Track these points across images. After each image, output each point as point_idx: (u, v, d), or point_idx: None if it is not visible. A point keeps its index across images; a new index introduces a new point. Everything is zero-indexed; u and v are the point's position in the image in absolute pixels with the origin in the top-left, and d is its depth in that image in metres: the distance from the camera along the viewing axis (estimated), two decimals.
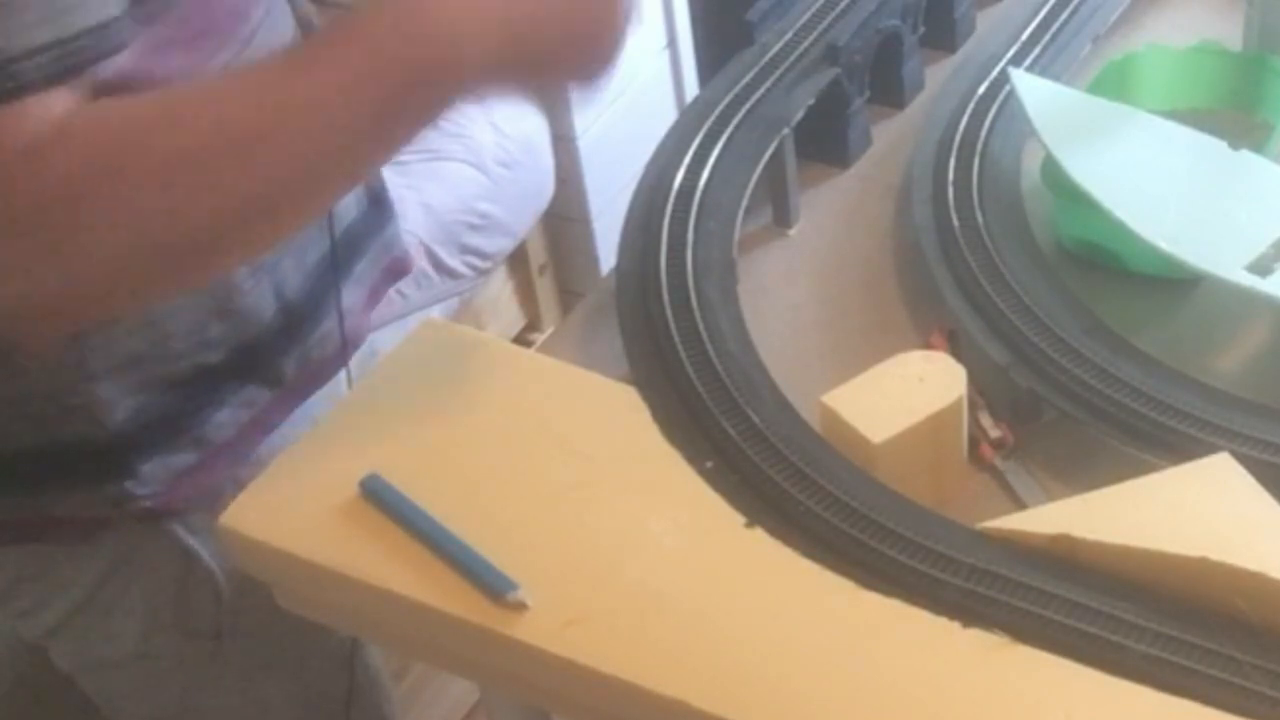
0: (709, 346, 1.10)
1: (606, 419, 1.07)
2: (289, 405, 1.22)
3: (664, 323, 1.12)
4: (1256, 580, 0.89)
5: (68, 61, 0.87)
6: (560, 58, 0.95)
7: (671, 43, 2.26)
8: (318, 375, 1.23)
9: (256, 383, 1.19)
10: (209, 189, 0.86)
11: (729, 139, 1.26)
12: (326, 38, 0.92)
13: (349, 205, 1.25)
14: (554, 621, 0.95)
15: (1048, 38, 1.36)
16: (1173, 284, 1.17)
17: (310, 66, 0.89)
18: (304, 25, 1.17)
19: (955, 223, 1.19)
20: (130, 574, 1.22)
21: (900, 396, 1.03)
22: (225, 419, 1.17)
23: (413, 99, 0.90)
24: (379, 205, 1.31)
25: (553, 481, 1.02)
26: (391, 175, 1.42)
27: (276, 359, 1.20)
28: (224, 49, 1.05)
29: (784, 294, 1.24)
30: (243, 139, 0.86)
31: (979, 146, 1.26)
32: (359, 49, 0.88)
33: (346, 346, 1.23)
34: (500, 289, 2.08)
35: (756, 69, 1.32)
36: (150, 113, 0.87)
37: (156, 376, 1.13)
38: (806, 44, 1.32)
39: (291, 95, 0.87)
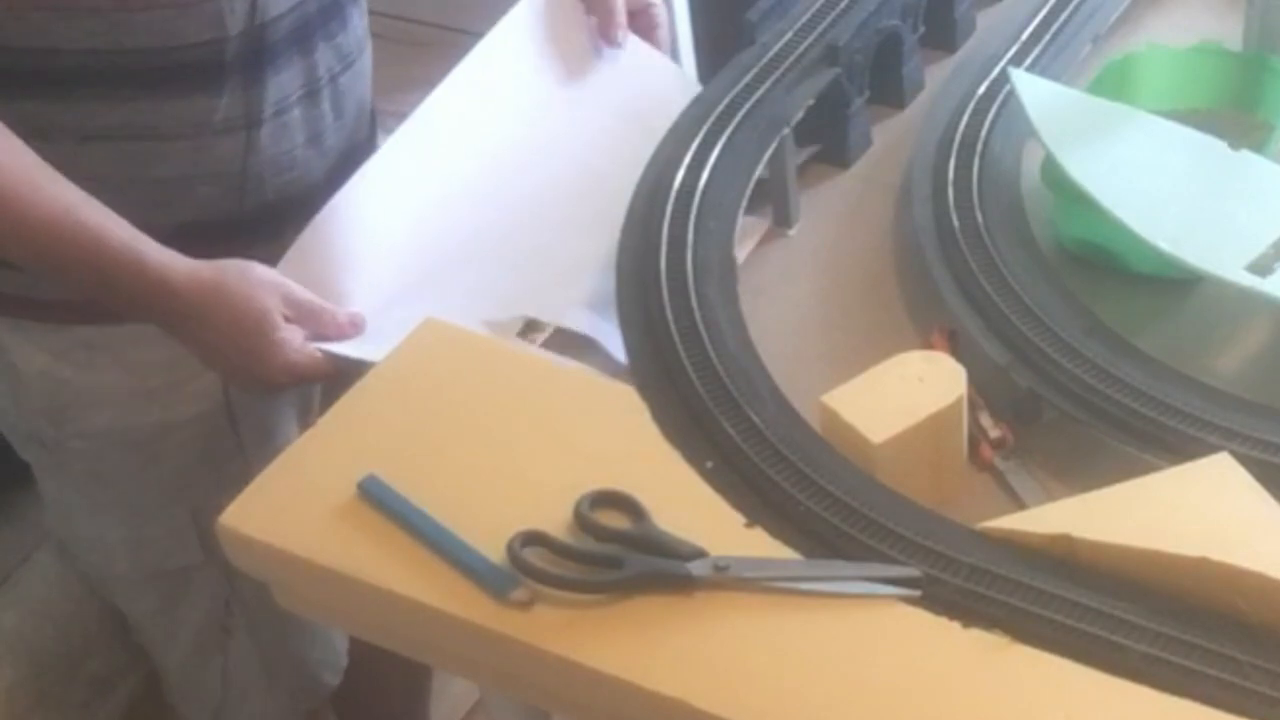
0: (709, 346, 1.10)
1: (606, 419, 1.07)
2: None
3: (664, 323, 1.12)
4: (1256, 580, 0.89)
5: None
6: (220, 371, 1.26)
7: (672, 43, 2.26)
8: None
9: None
10: None
11: (729, 139, 1.26)
12: (105, 250, 1.16)
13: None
14: (554, 621, 0.95)
15: (1048, 38, 1.36)
16: (1173, 284, 1.18)
17: (71, 234, 1.15)
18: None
19: (955, 223, 1.19)
20: None
21: (900, 396, 1.03)
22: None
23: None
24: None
25: (553, 481, 1.02)
26: None
27: None
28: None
29: (784, 294, 1.24)
30: None
31: (979, 146, 1.26)
32: (98, 270, 1.16)
33: None
34: None
35: (756, 69, 1.32)
36: None
37: None
38: (806, 44, 1.33)
39: (37, 224, 1.14)
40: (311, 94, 1.30)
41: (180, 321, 1.19)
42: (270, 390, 1.24)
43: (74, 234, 1.15)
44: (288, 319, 1.19)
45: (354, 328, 1.20)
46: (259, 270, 1.20)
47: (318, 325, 1.20)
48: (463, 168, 1.30)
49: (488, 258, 1.26)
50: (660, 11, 1.42)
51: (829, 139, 1.34)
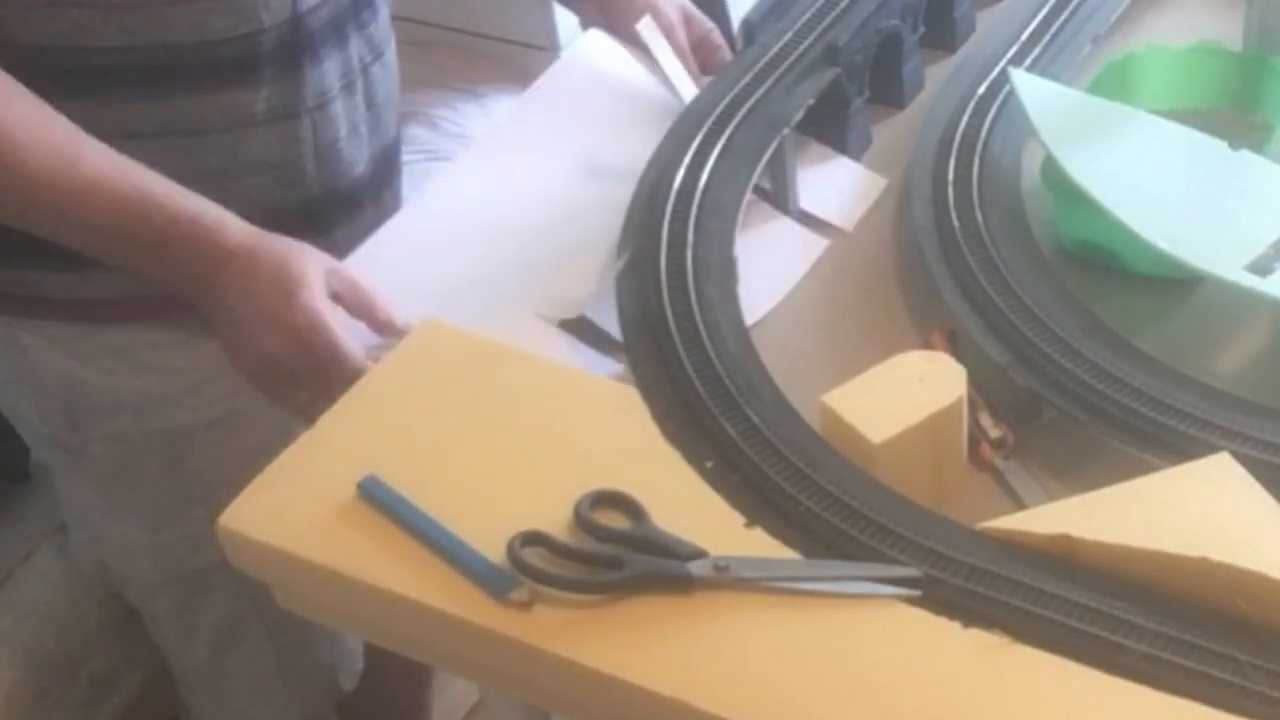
0: (709, 346, 1.10)
1: (606, 419, 1.07)
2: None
3: (664, 323, 1.12)
4: (1256, 580, 0.89)
5: None
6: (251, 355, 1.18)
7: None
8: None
9: None
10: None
11: (729, 139, 1.26)
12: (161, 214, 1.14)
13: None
14: (554, 621, 0.95)
15: (1048, 38, 1.36)
16: (1173, 284, 1.18)
17: (129, 192, 1.14)
18: None
19: (955, 223, 1.19)
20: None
21: (900, 396, 1.03)
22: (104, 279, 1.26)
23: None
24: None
25: (553, 481, 1.02)
26: None
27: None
28: None
29: (784, 294, 1.24)
30: (27, 183, 1.13)
31: (979, 146, 1.26)
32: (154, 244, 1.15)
33: None
34: None
35: (756, 69, 1.32)
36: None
37: None
38: (806, 44, 1.32)
39: (82, 193, 1.13)
40: (348, 85, 1.30)
41: (226, 281, 1.14)
42: (295, 370, 1.16)
43: (133, 192, 1.13)
44: (335, 295, 1.15)
45: (393, 332, 1.15)
46: (308, 247, 1.17)
47: (369, 309, 1.15)
48: (522, 192, 1.29)
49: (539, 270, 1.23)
50: (718, 34, 1.41)
51: (829, 139, 1.34)
